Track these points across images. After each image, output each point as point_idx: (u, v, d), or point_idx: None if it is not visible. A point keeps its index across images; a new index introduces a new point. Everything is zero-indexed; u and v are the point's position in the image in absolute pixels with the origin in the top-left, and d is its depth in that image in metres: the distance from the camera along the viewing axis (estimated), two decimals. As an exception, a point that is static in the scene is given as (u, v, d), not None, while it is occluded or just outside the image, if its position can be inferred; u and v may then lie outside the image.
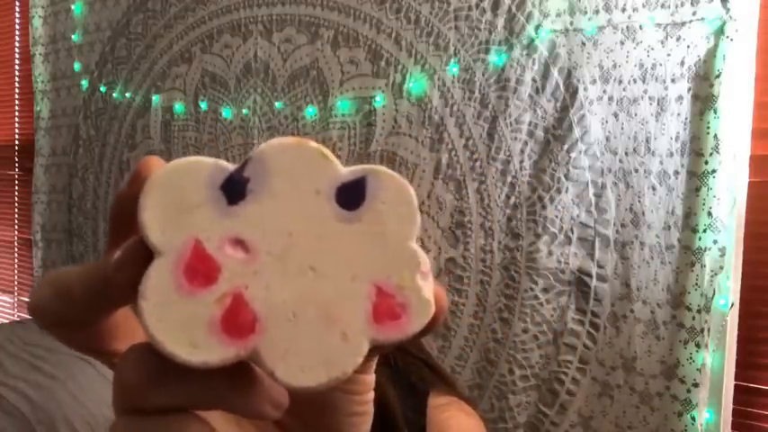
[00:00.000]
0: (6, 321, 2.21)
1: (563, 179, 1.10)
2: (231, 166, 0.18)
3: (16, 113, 2.21)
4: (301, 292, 0.18)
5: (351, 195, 0.19)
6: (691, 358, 0.98)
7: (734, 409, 1.00)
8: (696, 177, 0.98)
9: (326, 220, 0.19)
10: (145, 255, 0.18)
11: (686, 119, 0.99)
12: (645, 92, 1.03)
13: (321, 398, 0.23)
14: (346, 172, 0.19)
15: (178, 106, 1.65)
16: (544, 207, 1.12)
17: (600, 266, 1.08)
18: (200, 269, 0.18)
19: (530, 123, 1.14)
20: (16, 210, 2.24)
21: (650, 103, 1.03)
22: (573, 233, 1.10)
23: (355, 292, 0.18)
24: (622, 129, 1.06)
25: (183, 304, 0.17)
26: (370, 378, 0.24)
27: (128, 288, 0.18)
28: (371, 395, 0.24)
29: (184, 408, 0.19)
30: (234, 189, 0.18)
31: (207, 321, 0.17)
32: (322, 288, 0.18)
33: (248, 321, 0.18)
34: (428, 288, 0.19)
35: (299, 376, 0.18)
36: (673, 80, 1.01)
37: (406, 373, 0.63)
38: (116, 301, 0.19)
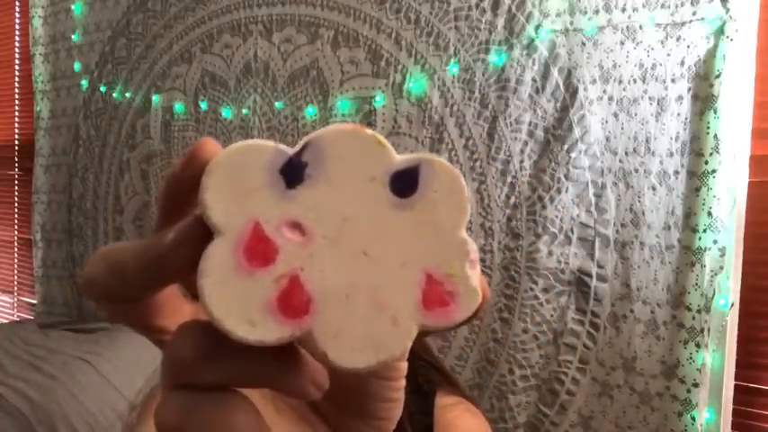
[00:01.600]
0: (6, 321, 2.21)
1: (563, 179, 1.10)
2: (290, 150, 0.19)
3: (16, 113, 2.21)
4: (354, 276, 0.19)
5: (404, 183, 0.19)
6: (691, 358, 0.98)
7: (734, 409, 1.00)
8: (696, 177, 0.98)
9: (380, 207, 0.19)
10: (202, 234, 0.18)
11: (686, 119, 0.99)
12: (645, 92, 1.03)
13: (357, 383, 0.24)
14: (400, 160, 0.19)
15: (178, 106, 1.65)
16: (544, 207, 1.12)
17: (600, 266, 1.08)
18: (259, 250, 0.18)
19: (530, 123, 1.14)
20: (16, 210, 2.24)
21: (650, 103, 1.03)
22: (573, 233, 1.10)
23: (406, 279, 0.19)
24: (622, 129, 1.06)
25: (242, 283, 0.18)
26: (404, 365, 0.25)
27: (184, 266, 0.18)
28: (404, 382, 0.25)
29: (234, 384, 0.19)
30: (292, 173, 0.19)
31: (264, 301, 0.18)
32: (374, 273, 0.19)
33: (303, 302, 0.18)
34: (476, 276, 0.19)
35: (349, 358, 0.18)
36: (673, 80, 1.01)
37: (413, 374, 0.64)
38: (170, 278, 0.20)
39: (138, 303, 0.22)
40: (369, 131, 0.19)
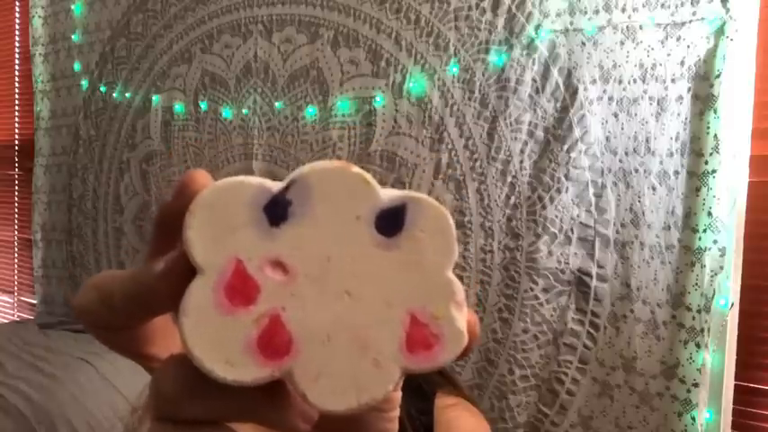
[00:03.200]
0: (6, 321, 2.21)
1: (563, 179, 1.10)
2: (275, 187, 0.19)
3: (16, 113, 2.21)
4: (337, 316, 0.18)
5: (390, 222, 0.19)
6: (691, 358, 0.98)
7: (734, 409, 1.00)
8: (696, 177, 0.98)
9: (365, 246, 0.19)
10: (187, 268, 0.18)
11: (686, 119, 0.99)
12: (645, 92, 1.03)
13: (350, 415, 0.24)
14: (387, 198, 0.19)
15: (178, 106, 1.65)
16: (544, 207, 1.12)
17: (600, 266, 1.08)
18: (240, 289, 0.18)
19: (530, 123, 1.14)
20: (16, 210, 2.24)
21: (650, 103, 1.03)
22: (573, 233, 1.10)
23: (390, 319, 0.19)
24: (622, 129, 1.06)
25: (222, 323, 0.18)
26: (397, 395, 0.24)
27: (169, 299, 0.18)
28: (397, 412, 0.25)
29: (218, 420, 0.19)
30: (276, 211, 0.18)
31: (244, 341, 0.18)
32: (357, 313, 0.19)
33: (284, 342, 0.18)
34: (462, 318, 0.19)
35: (329, 400, 0.18)
36: (673, 80, 1.01)
37: (413, 375, 0.64)
38: (156, 309, 0.20)
39: (129, 331, 0.22)
40: (355, 169, 0.19)
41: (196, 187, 0.19)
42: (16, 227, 2.24)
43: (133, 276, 0.19)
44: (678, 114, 1.00)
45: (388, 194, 0.19)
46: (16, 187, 2.23)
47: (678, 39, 1.00)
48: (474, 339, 0.19)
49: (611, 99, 1.06)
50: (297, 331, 0.18)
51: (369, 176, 0.19)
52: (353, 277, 0.19)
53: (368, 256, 0.19)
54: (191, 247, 0.18)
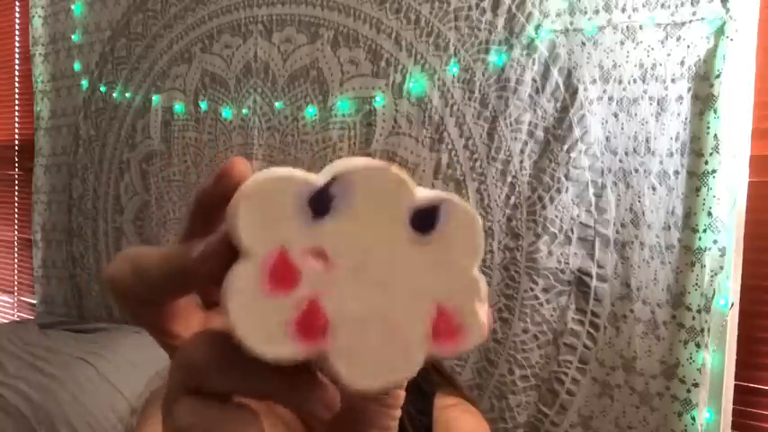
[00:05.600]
0: (6, 321, 2.21)
1: (563, 179, 1.10)
2: (319, 181, 0.20)
3: (16, 113, 2.21)
4: (370, 305, 0.20)
5: (424, 220, 0.20)
6: (691, 358, 0.98)
7: (734, 409, 1.00)
8: (696, 177, 0.98)
9: (400, 242, 0.20)
10: (229, 252, 0.19)
11: (686, 119, 0.99)
12: (645, 92, 1.03)
13: (357, 409, 0.25)
14: (422, 197, 0.20)
15: (178, 106, 1.65)
16: (544, 207, 1.12)
17: (600, 266, 1.08)
18: (283, 274, 0.19)
19: (530, 123, 1.14)
20: (16, 210, 2.24)
21: (650, 103, 1.03)
22: (573, 233, 1.10)
23: (419, 310, 0.20)
24: (622, 129, 1.06)
25: (265, 304, 0.19)
26: (401, 393, 0.25)
27: (208, 279, 0.20)
28: (399, 412, 0.25)
29: (242, 394, 0.20)
30: (320, 204, 0.20)
31: (284, 322, 0.19)
32: (389, 303, 0.20)
33: (321, 325, 0.19)
34: (483, 313, 0.21)
35: (360, 380, 0.19)
36: (673, 80, 1.01)
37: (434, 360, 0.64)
38: (193, 288, 0.21)
39: (157, 307, 0.23)
40: (395, 170, 0.20)
41: (236, 174, 0.20)
42: (16, 227, 2.24)
43: (171, 255, 0.20)
44: (678, 114, 1.00)
45: (423, 194, 0.21)
46: (16, 187, 2.23)
47: (678, 39, 1.00)
48: (489, 331, 0.21)
49: (611, 99, 1.06)
50: (333, 316, 0.19)
51: (407, 177, 0.20)
52: (387, 270, 0.20)
53: (401, 251, 0.20)
54: (239, 232, 0.19)
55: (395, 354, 0.20)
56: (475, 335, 0.20)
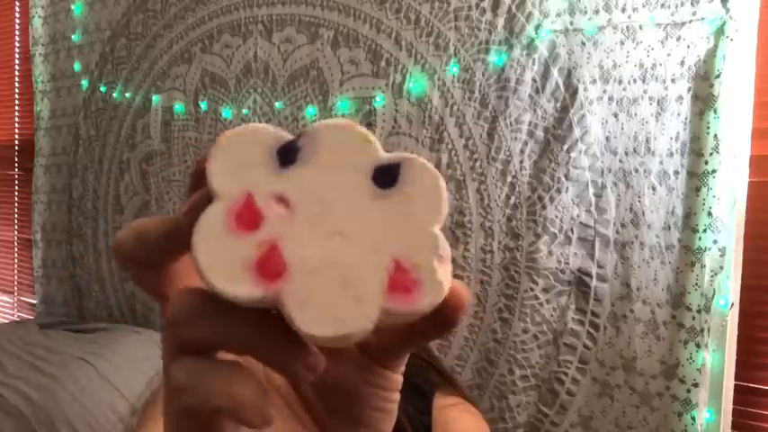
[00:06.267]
0: (6, 321, 2.21)
1: (563, 179, 1.10)
2: (289, 136, 0.21)
3: (16, 113, 2.21)
4: (327, 253, 0.20)
5: (385, 176, 0.21)
6: (691, 358, 0.98)
7: (734, 409, 1.00)
8: (696, 177, 0.98)
9: (360, 194, 0.21)
10: (209, 203, 0.20)
11: (686, 119, 0.99)
12: (645, 92, 1.03)
13: (352, 390, 0.25)
14: (385, 156, 0.21)
15: (178, 106, 1.65)
16: (544, 207, 1.12)
17: (600, 266, 1.08)
18: (248, 216, 0.20)
19: (530, 123, 1.14)
20: (16, 210, 2.24)
21: (650, 103, 1.03)
22: (573, 233, 1.10)
23: (374, 262, 0.20)
24: (622, 129, 1.06)
25: (228, 242, 0.20)
26: (397, 377, 0.25)
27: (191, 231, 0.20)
28: (397, 396, 0.25)
29: (221, 346, 0.21)
30: (287, 154, 0.21)
31: (245, 261, 0.20)
32: (346, 252, 0.20)
33: (278, 268, 0.20)
34: (443, 272, 0.20)
35: (312, 326, 0.19)
36: (673, 80, 1.01)
37: (412, 374, 0.64)
38: (184, 243, 0.22)
39: (158, 269, 0.24)
40: (360, 128, 0.21)
41: None
42: (16, 227, 2.24)
43: (167, 217, 0.22)
44: (678, 114, 1.00)
45: (388, 154, 0.21)
46: (16, 187, 2.23)
47: (678, 39, 1.00)
48: (461, 306, 0.21)
49: (611, 99, 1.06)
50: (291, 260, 0.20)
51: (372, 136, 0.21)
52: (346, 220, 0.21)
53: (361, 203, 0.21)
54: (210, 176, 0.20)
55: (348, 303, 0.20)
56: (431, 293, 0.20)
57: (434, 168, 0.21)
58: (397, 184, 0.21)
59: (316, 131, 0.21)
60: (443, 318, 0.21)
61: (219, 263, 0.19)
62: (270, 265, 0.20)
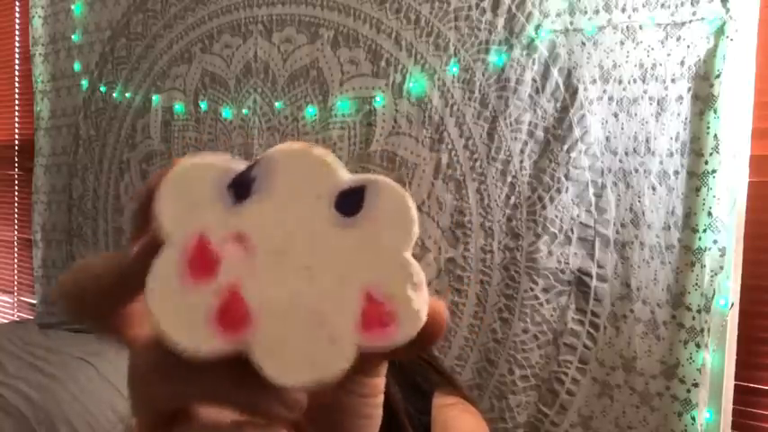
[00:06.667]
0: (6, 321, 2.21)
1: (563, 179, 1.10)
2: (241, 166, 0.19)
3: (16, 113, 2.21)
4: (294, 292, 0.19)
5: (350, 202, 0.19)
6: (691, 358, 0.98)
7: (734, 409, 1.00)
8: (696, 177, 0.98)
9: (324, 224, 0.19)
10: (159, 246, 0.19)
11: (686, 119, 0.99)
12: (645, 92, 1.03)
13: (332, 399, 0.24)
14: (348, 180, 0.19)
15: (178, 106, 1.65)
16: (544, 207, 1.12)
17: (600, 266, 1.08)
18: (203, 262, 0.18)
19: (530, 123, 1.14)
20: (16, 210, 2.24)
21: (650, 103, 1.03)
22: (573, 233, 1.10)
23: (346, 297, 0.19)
24: (622, 129, 1.06)
25: (185, 294, 0.18)
26: (380, 381, 0.25)
27: (144, 277, 0.19)
28: (381, 398, 0.25)
29: (193, 402, 0.19)
30: (241, 188, 0.19)
31: (205, 312, 0.18)
32: (314, 289, 0.19)
33: (242, 315, 0.18)
34: (419, 300, 0.19)
35: (284, 374, 0.18)
36: (673, 80, 1.01)
37: (411, 373, 0.64)
38: (135, 289, 0.20)
39: (112, 314, 0.22)
40: (318, 151, 0.19)
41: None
42: (16, 227, 2.24)
43: (112, 261, 0.20)
44: (678, 114, 1.00)
45: (350, 177, 0.20)
46: (16, 187, 2.23)
47: (678, 39, 1.00)
48: (439, 327, 0.20)
49: (611, 99, 1.06)
50: (255, 305, 0.18)
51: (331, 158, 0.20)
52: (312, 254, 0.19)
53: (326, 234, 0.19)
54: (158, 218, 0.19)
55: (321, 346, 0.18)
56: (408, 324, 0.19)
57: (401, 188, 0.20)
58: (363, 210, 0.19)
59: (269, 159, 0.19)
60: (421, 341, 0.19)
61: (178, 317, 0.18)
62: (232, 314, 0.18)
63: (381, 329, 0.19)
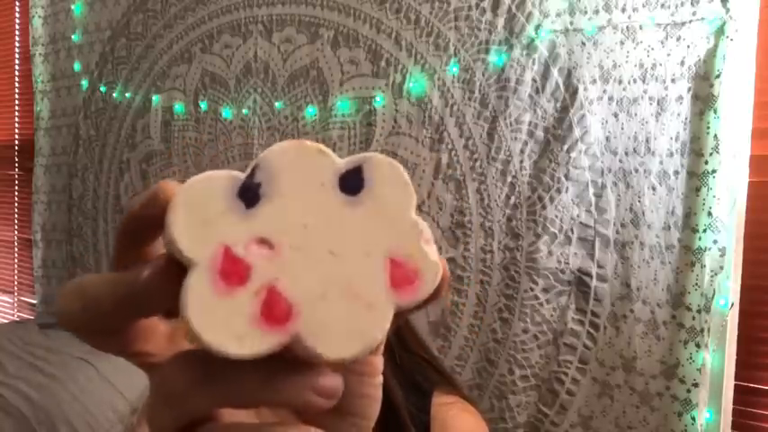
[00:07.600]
0: (6, 321, 2.21)
1: (563, 179, 1.10)
2: (242, 175, 0.20)
3: (16, 113, 2.21)
4: (325, 275, 0.20)
5: (351, 182, 0.21)
6: (691, 358, 0.98)
7: (734, 409, 1.00)
8: (696, 177, 0.98)
9: (334, 208, 0.21)
10: (175, 268, 0.19)
11: (686, 119, 0.99)
12: (645, 92, 1.03)
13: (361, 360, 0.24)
14: (344, 163, 0.21)
15: (178, 106, 1.65)
16: (544, 207, 1.12)
17: (600, 266, 1.08)
18: (234, 271, 0.19)
19: (530, 123, 1.14)
20: (16, 210, 2.24)
21: (650, 103, 1.03)
22: (573, 233, 1.10)
23: (372, 267, 0.20)
24: (622, 129, 1.06)
25: (224, 304, 0.19)
26: (379, 360, 0.25)
27: (163, 299, 0.19)
28: (380, 379, 0.25)
29: (232, 406, 0.20)
30: (249, 194, 0.20)
31: (248, 315, 0.19)
32: (342, 268, 0.20)
33: (284, 309, 0.19)
34: (433, 252, 0.21)
35: (338, 350, 0.19)
36: (673, 80, 1.01)
37: (411, 372, 0.64)
38: (150, 311, 0.21)
39: (118, 333, 0.22)
40: (309, 143, 0.21)
41: (166, 195, 0.20)
42: (16, 227, 2.24)
43: (119, 283, 0.20)
44: (678, 114, 1.00)
45: (345, 159, 0.21)
46: (16, 187, 2.23)
47: (678, 39, 1.00)
48: (446, 276, 0.21)
49: (611, 99, 1.06)
50: (294, 296, 0.20)
51: (323, 147, 0.21)
52: (331, 237, 0.20)
53: (339, 216, 0.21)
54: (177, 243, 0.19)
55: (363, 315, 0.20)
56: (430, 276, 0.21)
57: (391, 159, 0.21)
58: (365, 186, 0.21)
59: (269, 162, 0.20)
60: (438, 288, 0.21)
61: (223, 329, 0.19)
62: (276, 310, 0.19)
63: (410, 286, 0.20)
